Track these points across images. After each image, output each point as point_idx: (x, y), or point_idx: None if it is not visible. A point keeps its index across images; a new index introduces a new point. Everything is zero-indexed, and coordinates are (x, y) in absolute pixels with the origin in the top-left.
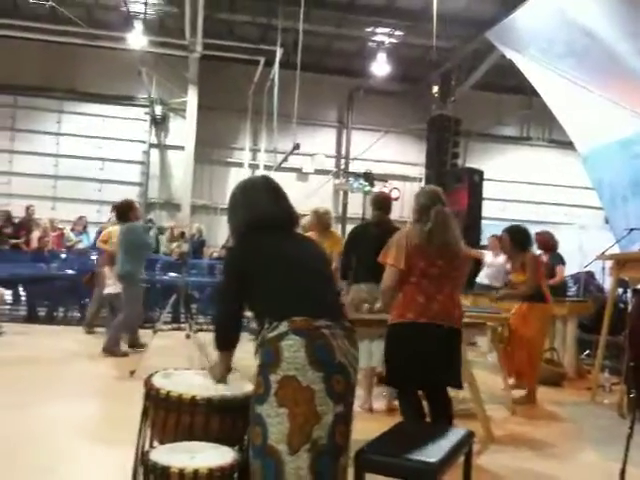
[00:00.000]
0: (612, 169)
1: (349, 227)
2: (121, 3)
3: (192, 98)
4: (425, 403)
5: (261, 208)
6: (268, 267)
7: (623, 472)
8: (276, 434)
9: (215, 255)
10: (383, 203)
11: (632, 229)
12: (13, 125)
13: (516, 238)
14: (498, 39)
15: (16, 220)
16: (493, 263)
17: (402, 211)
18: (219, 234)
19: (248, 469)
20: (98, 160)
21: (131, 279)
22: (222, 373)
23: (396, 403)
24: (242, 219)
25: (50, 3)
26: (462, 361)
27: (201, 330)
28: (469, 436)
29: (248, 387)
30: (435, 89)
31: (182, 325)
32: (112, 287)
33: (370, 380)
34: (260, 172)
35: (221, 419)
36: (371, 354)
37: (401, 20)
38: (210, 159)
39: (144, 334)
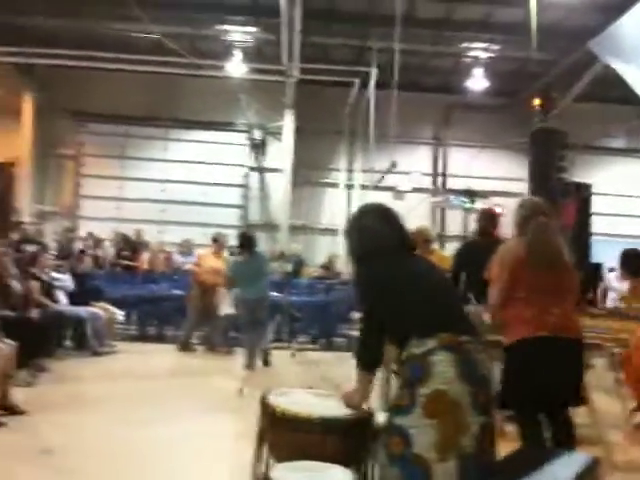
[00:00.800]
0: None
1: (448, 245)
2: (221, 33)
3: (289, 122)
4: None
5: (373, 234)
6: (405, 286)
7: None
8: (423, 443)
9: (315, 274)
10: (491, 219)
11: None
12: (123, 153)
13: (627, 262)
14: (601, 49)
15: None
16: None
17: (505, 227)
18: (317, 254)
19: None
20: (202, 185)
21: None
22: (361, 400)
23: (508, 428)
24: (361, 248)
25: (156, 36)
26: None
27: (303, 349)
28: (595, 463)
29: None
30: (536, 102)
31: (284, 344)
32: (229, 308)
33: None
34: (356, 192)
35: (337, 439)
36: None
37: (498, 34)
38: (307, 180)
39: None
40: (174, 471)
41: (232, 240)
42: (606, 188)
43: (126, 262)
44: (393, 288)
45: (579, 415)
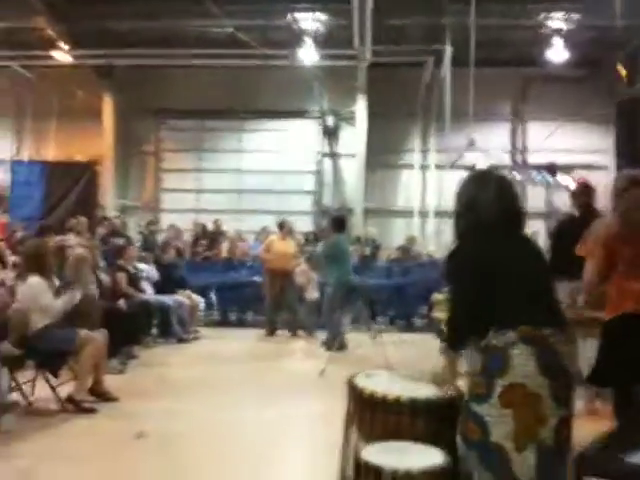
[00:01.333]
0: None
1: (530, 223)
2: (292, 22)
3: (361, 106)
4: None
5: (487, 208)
6: (494, 272)
7: None
8: (500, 432)
9: (392, 257)
10: (589, 192)
11: None
12: (200, 146)
13: None
14: None
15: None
16: None
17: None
18: (393, 236)
19: (457, 471)
20: (276, 173)
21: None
22: (451, 377)
23: (598, 405)
24: (466, 218)
25: (229, 30)
26: None
27: (382, 331)
28: None
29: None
30: (622, 71)
31: (361, 327)
32: (315, 292)
33: None
34: (431, 173)
35: (427, 420)
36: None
37: (577, 2)
38: (381, 164)
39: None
40: (266, 453)
41: (302, 226)
42: None
43: (204, 252)
44: (484, 273)
45: None
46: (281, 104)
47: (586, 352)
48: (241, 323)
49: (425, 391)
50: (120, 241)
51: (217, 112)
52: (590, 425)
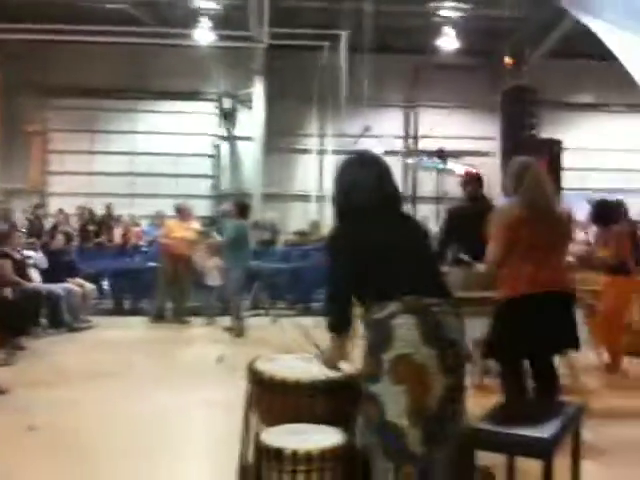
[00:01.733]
0: None
1: (420, 207)
2: (187, 0)
3: (258, 89)
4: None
5: (366, 191)
6: (372, 248)
7: None
8: (394, 410)
9: (290, 241)
10: (476, 182)
11: None
12: (91, 127)
13: (599, 213)
14: (572, 4)
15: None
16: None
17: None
18: (291, 221)
19: (356, 449)
20: (171, 156)
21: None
22: (337, 359)
23: (487, 380)
24: (345, 201)
25: (121, 6)
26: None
27: (283, 315)
28: (580, 410)
29: (349, 368)
30: (507, 60)
31: (260, 311)
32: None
33: None
34: (328, 158)
35: (326, 401)
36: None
37: None
38: (279, 147)
39: (223, 321)
40: (165, 443)
41: (201, 210)
42: (576, 143)
43: (94, 238)
44: (362, 249)
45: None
46: (177, 85)
47: (475, 330)
48: (136, 311)
49: (324, 372)
50: (4, 226)
51: (110, 92)
52: (479, 400)
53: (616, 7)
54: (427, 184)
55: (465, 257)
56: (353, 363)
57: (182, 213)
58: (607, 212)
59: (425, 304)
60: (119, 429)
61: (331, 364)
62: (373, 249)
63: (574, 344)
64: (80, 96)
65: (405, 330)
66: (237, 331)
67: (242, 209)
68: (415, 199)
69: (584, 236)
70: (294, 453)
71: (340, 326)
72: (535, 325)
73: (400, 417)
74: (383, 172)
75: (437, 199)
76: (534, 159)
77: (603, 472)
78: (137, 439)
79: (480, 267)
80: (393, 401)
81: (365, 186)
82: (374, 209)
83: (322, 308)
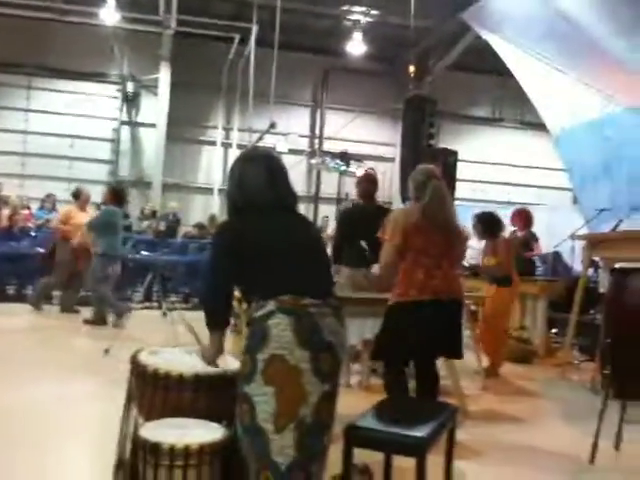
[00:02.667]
0: (583, 150)
1: (322, 207)
2: None
3: (164, 75)
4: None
5: (256, 187)
6: (257, 246)
7: (595, 444)
8: (263, 413)
9: (188, 234)
10: (372, 182)
11: (602, 210)
12: None
13: (489, 225)
14: (474, 19)
15: None
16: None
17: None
18: (191, 213)
19: (237, 445)
20: (68, 137)
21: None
22: (215, 355)
23: (372, 380)
24: (236, 196)
25: None
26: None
27: (175, 309)
28: (454, 412)
29: (235, 364)
30: (411, 69)
31: (154, 304)
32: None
33: (349, 357)
34: (233, 151)
35: (209, 396)
36: (358, 332)
37: None
38: (183, 137)
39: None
40: (40, 436)
41: (97, 197)
42: (471, 155)
43: None
44: (244, 248)
45: (438, 368)
46: (77, 64)
47: (365, 330)
48: (20, 297)
49: (209, 367)
50: None
51: (3, 65)
52: (363, 399)
53: (514, 25)
54: (330, 185)
55: (364, 245)
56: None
57: (81, 199)
58: (494, 223)
59: (302, 304)
60: None
61: (208, 359)
62: (259, 245)
63: (457, 353)
64: None
65: (280, 330)
66: (97, 321)
67: (115, 195)
68: (317, 199)
69: (477, 244)
70: (171, 448)
71: (216, 322)
72: (419, 329)
73: (266, 421)
74: (275, 169)
75: (338, 200)
76: (434, 167)
77: (475, 471)
78: (14, 432)
79: (374, 268)
80: (262, 402)
81: (256, 182)
82: (266, 205)
83: (199, 302)
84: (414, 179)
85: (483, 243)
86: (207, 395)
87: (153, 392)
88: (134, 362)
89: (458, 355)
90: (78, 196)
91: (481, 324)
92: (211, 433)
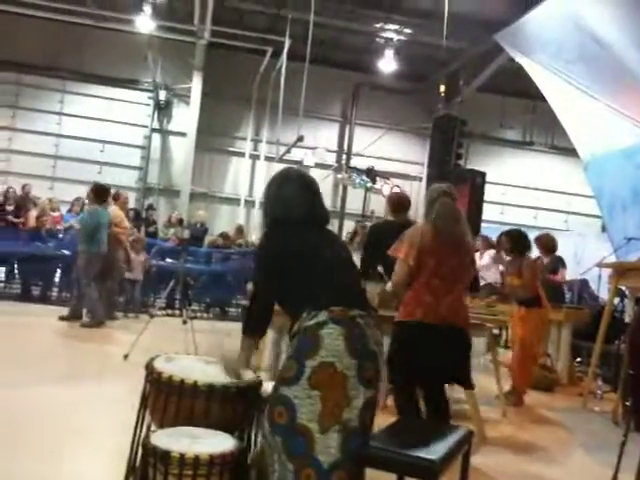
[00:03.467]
0: (613, 177)
1: (347, 223)
2: None
3: (197, 85)
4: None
5: (290, 203)
6: (303, 259)
7: (615, 478)
8: (307, 414)
9: (213, 243)
10: (404, 203)
11: (631, 238)
12: (15, 103)
13: (517, 242)
14: (507, 42)
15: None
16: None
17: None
18: (216, 222)
19: (246, 456)
20: (99, 142)
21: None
22: (241, 363)
23: (389, 401)
24: (273, 213)
25: None
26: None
27: (196, 317)
28: (469, 435)
29: (248, 375)
30: (442, 88)
31: (176, 311)
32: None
33: None
34: (261, 163)
35: (222, 406)
36: None
37: (411, 17)
38: (211, 147)
39: (140, 319)
40: (53, 440)
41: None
42: (499, 177)
43: (9, 218)
44: (292, 259)
45: (459, 392)
46: (111, 70)
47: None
48: (44, 299)
49: (223, 377)
50: None
51: (37, 67)
52: (381, 418)
53: (547, 47)
54: (355, 201)
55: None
56: (255, 372)
57: (120, 201)
58: (524, 241)
59: (352, 315)
60: (15, 420)
61: (234, 368)
62: (301, 258)
63: (463, 380)
64: (5, 69)
65: (332, 339)
66: (72, 317)
67: (97, 194)
68: (343, 214)
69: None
70: (181, 456)
71: (255, 328)
72: (425, 354)
73: (311, 421)
74: (316, 191)
75: (363, 217)
76: (450, 186)
77: None
78: (27, 431)
79: (387, 285)
80: (307, 404)
81: (300, 201)
82: (304, 222)
83: (242, 310)
84: (426, 196)
85: (485, 262)
86: (220, 405)
87: (166, 399)
88: (149, 368)
89: (465, 383)
90: (118, 199)
91: (514, 350)
92: (222, 443)
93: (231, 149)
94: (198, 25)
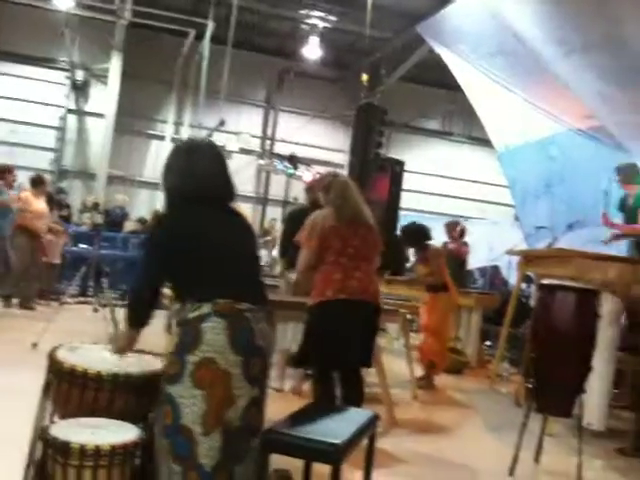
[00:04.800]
0: (527, 168)
1: (270, 208)
2: None
3: (116, 65)
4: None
5: (204, 177)
6: (195, 246)
7: (516, 456)
8: (190, 415)
9: (130, 228)
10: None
11: (540, 227)
12: None
13: (410, 237)
14: (428, 33)
15: None
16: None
17: None
18: (135, 207)
19: (152, 446)
20: (11, 122)
21: None
22: (125, 346)
23: (305, 386)
24: (180, 186)
25: None
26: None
27: (109, 305)
28: (374, 419)
29: (156, 365)
30: (365, 77)
31: (89, 299)
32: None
33: (283, 361)
34: None
35: (126, 396)
36: (286, 336)
37: (335, 5)
38: (131, 129)
39: (53, 306)
40: None
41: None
42: (419, 166)
43: None
44: (181, 248)
45: (372, 375)
46: (25, 47)
47: (287, 335)
48: None
49: (128, 367)
50: None
51: None
52: (295, 404)
53: (467, 40)
54: (279, 187)
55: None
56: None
57: (40, 186)
58: (419, 235)
59: (239, 308)
60: None
61: (119, 349)
62: (198, 245)
63: (366, 360)
64: None
65: (214, 334)
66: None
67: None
68: (266, 200)
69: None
70: (82, 447)
71: (136, 318)
72: (340, 331)
73: (194, 423)
74: (222, 162)
75: (285, 203)
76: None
77: None
78: None
79: (293, 274)
80: (190, 405)
81: (198, 173)
82: (206, 200)
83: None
84: (322, 183)
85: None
86: (124, 395)
87: (69, 389)
88: (52, 359)
89: (367, 364)
90: (38, 183)
91: (422, 333)
92: (124, 434)
93: (151, 132)
94: (118, 4)
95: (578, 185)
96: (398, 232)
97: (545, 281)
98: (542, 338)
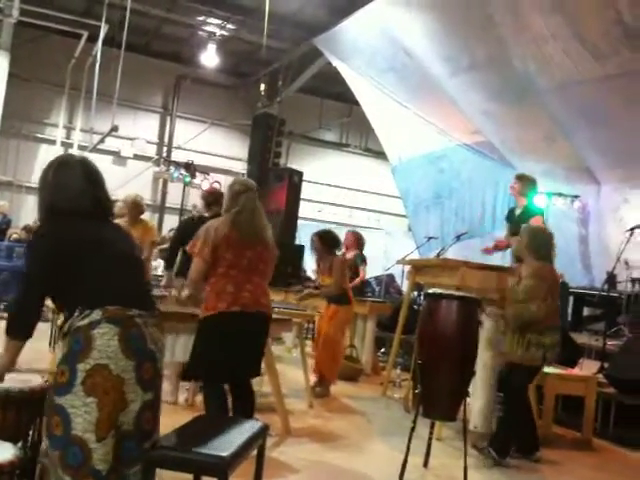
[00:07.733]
0: (418, 181)
1: (167, 217)
2: None
3: (2, 65)
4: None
5: (71, 193)
6: (81, 254)
7: (405, 461)
8: (82, 424)
9: (15, 237)
10: (216, 197)
11: (430, 237)
12: None
13: (327, 241)
14: (325, 46)
15: None
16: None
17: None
18: (22, 214)
19: (30, 466)
20: None
21: None
22: (5, 366)
23: (199, 397)
24: (50, 201)
25: None
26: (265, 350)
27: None
28: (264, 429)
29: (35, 380)
30: (262, 87)
31: None
32: None
33: (176, 374)
34: (74, 152)
35: (3, 413)
36: (178, 348)
37: (234, 14)
38: (18, 133)
39: None
40: None
41: None
42: (317, 177)
43: None
44: (70, 254)
45: (268, 384)
46: None
47: (178, 347)
48: None
49: (7, 382)
50: None
51: None
52: (188, 417)
53: (362, 55)
54: (175, 195)
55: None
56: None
57: None
58: (333, 241)
59: (129, 314)
60: None
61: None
62: (81, 253)
63: (256, 370)
64: None
65: (106, 340)
66: None
67: None
68: (164, 209)
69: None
70: None
71: (20, 330)
72: (232, 343)
73: (86, 432)
74: (93, 173)
75: (182, 211)
76: (253, 183)
77: None
78: None
79: (186, 284)
80: (82, 413)
81: (82, 191)
82: (85, 211)
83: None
84: (230, 188)
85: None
86: (2, 413)
87: None
88: None
89: (257, 373)
90: None
91: (319, 342)
92: (2, 453)
93: (40, 136)
94: (5, 2)
95: (465, 197)
96: (312, 237)
97: (430, 290)
98: (427, 345)
